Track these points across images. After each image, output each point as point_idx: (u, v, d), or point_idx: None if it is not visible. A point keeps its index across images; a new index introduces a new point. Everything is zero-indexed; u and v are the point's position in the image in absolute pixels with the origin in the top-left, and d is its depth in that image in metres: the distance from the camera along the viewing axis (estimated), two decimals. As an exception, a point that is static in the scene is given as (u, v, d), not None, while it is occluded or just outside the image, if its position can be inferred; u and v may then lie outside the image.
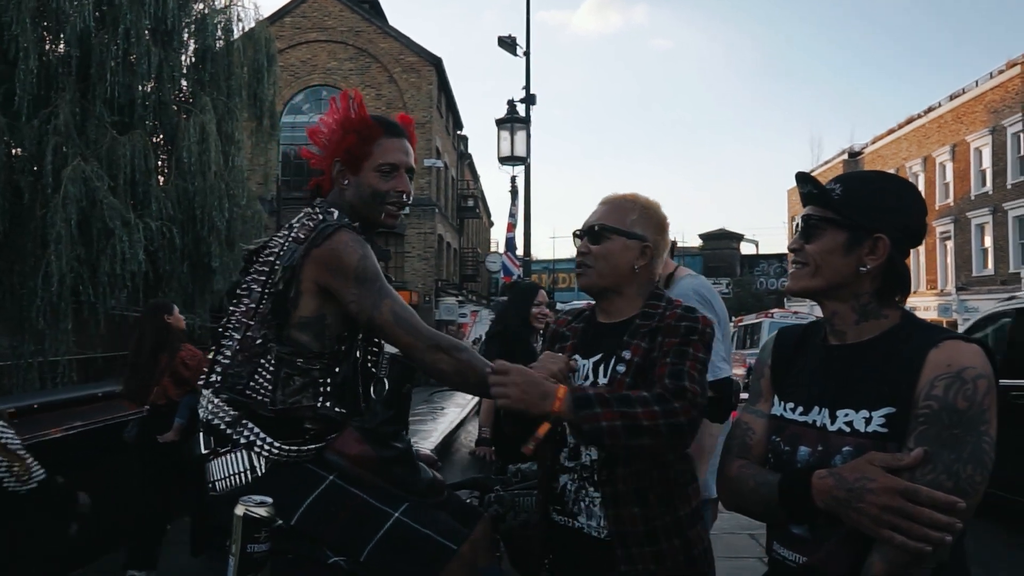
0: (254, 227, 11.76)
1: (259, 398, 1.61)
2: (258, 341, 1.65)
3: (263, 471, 1.59)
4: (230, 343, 1.69)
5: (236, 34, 12.04)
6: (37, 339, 9.48)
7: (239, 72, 11.79)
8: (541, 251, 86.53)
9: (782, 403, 1.49)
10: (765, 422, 1.52)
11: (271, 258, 1.71)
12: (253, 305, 1.69)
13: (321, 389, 1.64)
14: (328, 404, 1.64)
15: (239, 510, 1.36)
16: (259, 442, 1.59)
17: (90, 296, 9.42)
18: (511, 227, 14.53)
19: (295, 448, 1.61)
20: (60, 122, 9.37)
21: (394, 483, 1.65)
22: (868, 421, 1.31)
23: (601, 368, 1.70)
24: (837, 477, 1.24)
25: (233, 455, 1.60)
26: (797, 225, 1.47)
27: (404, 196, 1.81)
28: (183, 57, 11.47)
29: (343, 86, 21.46)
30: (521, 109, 12.72)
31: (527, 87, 13.27)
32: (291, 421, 1.62)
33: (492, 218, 52.36)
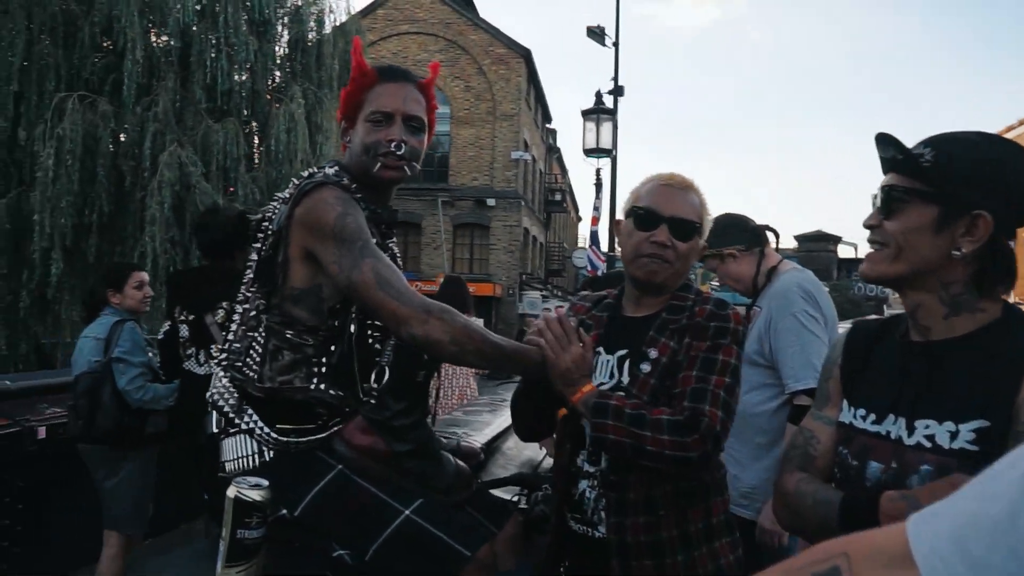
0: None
1: (250, 374, 1.51)
2: (252, 313, 1.55)
3: (270, 456, 1.49)
4: (237, 318, 1.61)
5: (328, 27, 12.32)
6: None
7: (330, 63, 12.02)
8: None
9: (852, 409, 1.28)
10: (832, 430, 1.32)
11: (266, 224, 1.60)
12: (252, 276, 1.59)
13: (315, 370, 1.51)
14: (323, 387, 1.51)
15: (231, 491, 1.27)
16: (258, 430, 1.49)
17: (182, 278, 9.79)
18: (595, 220, 14.30)
19: (294, 438, 1.49)
20: (160, 109, 9.79)
21: (408, 477, 1.52)
22: (954, 436, 1.09)
23: (626, 365, 1.57)
24: (912, 502, 1.03)
25: (241, 437, 1.51)
26: (875, 197, 1.24)
27: (394, 146, 1.60)
28: (277, 48, 11.81)
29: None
30: (608, 101, 12.51)
31: (615, 78, 13.05)
32: (283, 403, 1.50)
33: (580, 213, 51.97)
